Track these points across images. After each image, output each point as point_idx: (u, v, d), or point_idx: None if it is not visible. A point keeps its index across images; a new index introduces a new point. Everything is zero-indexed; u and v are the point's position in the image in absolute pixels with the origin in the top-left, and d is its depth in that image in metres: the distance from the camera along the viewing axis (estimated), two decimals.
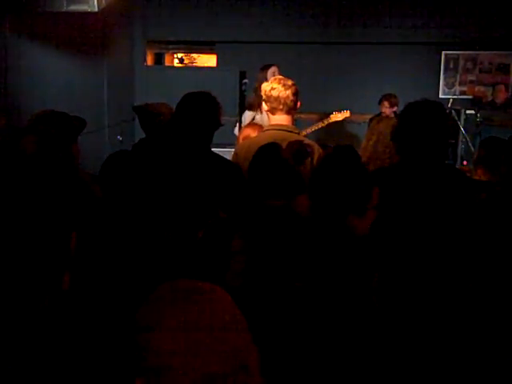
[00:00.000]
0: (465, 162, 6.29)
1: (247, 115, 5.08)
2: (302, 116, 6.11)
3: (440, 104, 2.54)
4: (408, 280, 2.26)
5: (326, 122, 5.27)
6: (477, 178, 3.27)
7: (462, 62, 7.73)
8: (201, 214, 2.60)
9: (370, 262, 2.20)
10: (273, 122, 3.22)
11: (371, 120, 3.83)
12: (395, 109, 6.20)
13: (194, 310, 0.95)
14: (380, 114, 6.17)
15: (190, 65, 9.43)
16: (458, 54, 7.72)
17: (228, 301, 1.00)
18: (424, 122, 2.45)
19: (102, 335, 1.94)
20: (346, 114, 5.42)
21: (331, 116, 5.36)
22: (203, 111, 2.73)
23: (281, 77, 3.26)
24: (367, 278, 2.17)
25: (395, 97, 6.30)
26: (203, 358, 0.91)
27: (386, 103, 6.30)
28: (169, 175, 2.77)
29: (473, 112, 6.75)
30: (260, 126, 3.83)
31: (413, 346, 2.14)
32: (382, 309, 2.17)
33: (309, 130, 5.09)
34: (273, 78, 3.27)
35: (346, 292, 2.11)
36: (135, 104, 4.28)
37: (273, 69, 5.12)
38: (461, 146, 6.74)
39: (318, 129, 5.24)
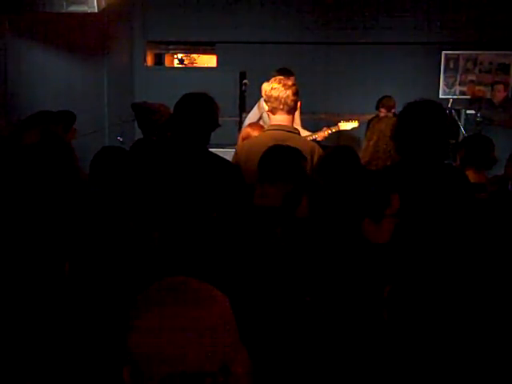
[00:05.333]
0: None
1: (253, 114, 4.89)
2: (303, 117, 6.08)
3: (439, 104, 2.54)
4: (407, 280, 2.26)
5: (333, 130, 5.05)
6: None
7: (462, 62, 7.73)
8: (197, 212, 2.60)
9: (381, 270, 2.10)
10: (273, 122, 3.22)
11: (370, 121, 3.82)
12: (393, 111, 6.18)
13: (181, 309, 0.95)
14: (378, 115, 6.14)
15: (190, 65, 9.42)
16: (457, 54, 7.71)
17: (222, 303, 0.99)
18: (423, 121, 2.45)
19: (96, 324, 1.96)
20: (354, 123, 5.24)
21: (339, 124, 5.18)
22: (200, 112, 2.74)
23: (281, 77, 3.26)
24: (377, 288, 2.02)
25: (391, 98, 6.23)
26: (182, 357, 0.92)
27: (382, 110, 6.25)
28: (165, 174, 2.78)
29: (473, 112, 6.74)
30: (261, 126, 3.83)
31: (424, 361, 2.09)
32: (393, 322, 2.11)
33: (318, 137, 4.77)
34: (273, 78, 3.28)
35: (355, 304, 2.01)
36: None
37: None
38: None
39: (326, 136, 4.92)
